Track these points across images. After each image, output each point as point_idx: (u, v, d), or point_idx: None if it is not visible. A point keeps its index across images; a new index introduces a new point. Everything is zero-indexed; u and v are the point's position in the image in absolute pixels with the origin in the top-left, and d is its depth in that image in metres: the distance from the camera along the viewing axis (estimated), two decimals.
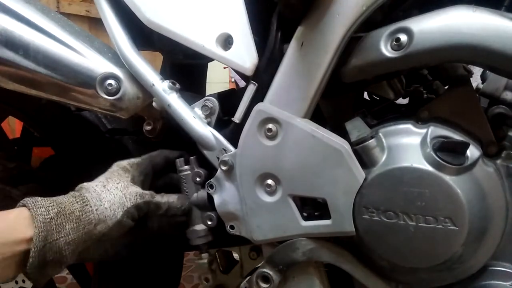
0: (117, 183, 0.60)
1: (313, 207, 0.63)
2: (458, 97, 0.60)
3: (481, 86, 0.65)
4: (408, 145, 0.59)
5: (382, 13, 0.60)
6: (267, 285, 0.66)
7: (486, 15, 0.50)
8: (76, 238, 0.53)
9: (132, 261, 0.90)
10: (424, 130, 0.59)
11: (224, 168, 0.65)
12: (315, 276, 0.66)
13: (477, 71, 0.79)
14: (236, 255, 0.89)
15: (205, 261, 0.91)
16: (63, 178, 1.06)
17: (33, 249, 0.48)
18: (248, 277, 0.69)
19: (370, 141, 0.58)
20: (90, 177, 0.62)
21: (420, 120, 0.60)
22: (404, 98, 0.75)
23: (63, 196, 0.56)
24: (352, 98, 0.68)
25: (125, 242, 0.63)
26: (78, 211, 0.54)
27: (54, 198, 0.54)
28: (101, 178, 0.61)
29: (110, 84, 0.68)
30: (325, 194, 0.59)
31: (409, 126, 0.61)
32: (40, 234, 0.49)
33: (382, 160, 0.58)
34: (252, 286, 0.68)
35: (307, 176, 0.60)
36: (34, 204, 0.51)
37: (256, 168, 0.63)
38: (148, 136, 0.76)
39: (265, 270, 0.66)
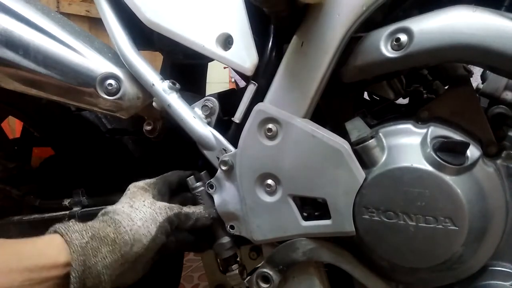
0: (143, 201, 0.59)
1: (313, 207, 0.63)
2: (458, 97, 0.60)
3: (481, 86, 0.65)
4: (408, 145, 0.59)
5: (382, 13, 0.60)
6: (267, 285, 0.66)
7: (486, 15, 0.50)
8: (113, 262, 0.51)
9: None
10: (424, 130, 0.59)
11: (224, 168, 0.65)
12: (315, 276, 0.66)
13: (477, 71, 0.79)
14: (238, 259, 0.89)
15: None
16: (63, 178, 1.06)
17: (73, 274, 0.47)
18: (248, 277, 0.69)
19: (370, 141, 0.58)
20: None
21: (420, 120, 0.60)
22: (404, 98, 0.75)
23: (92, 222, 0.55)
24: (352, 98, 0.68)
25: (154, 260, 0.61)
26: (113, 233, 0.53)
27: (85, 224, 0.53)
28: (125, 199, 0.60)
29: (110, 84, 0.68)
30: (325, 194, 0.59)
31: (409, 126, 0.61)
32: (78, 258, 0.47)
33: (382, 160, 0.58)
34: (252, 286, 0.68)
35: (307, 176, 0.60)
36: (68, 229, 0.50)
37: (256, 168, 0.63)
38: (148, 136, 0.76)
39: (265, 270, 0.66)
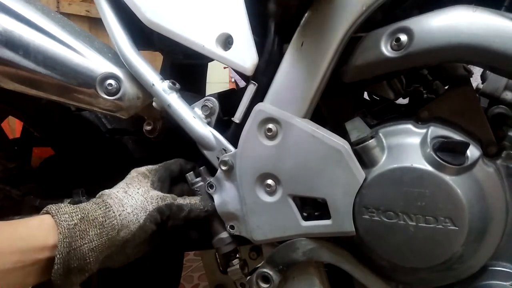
0: (138, 188, 0.60)
1: (313, 207, 0.63)
2: (458, 97, 0.60)
3: (481, 86, 0.65)
4: (408, 145, 0.59)
5: (382, 13, 0.60)
6: (267, 285, 0.66)
7: (486, 15, 0.50)
8: (100, 245, 0.52)
9: (133, 261, 0.90)
10: (424, 130, 0.59)
11: (224, 168, 0.65)
12: (315, 276, 0.66)
13: (477, 71, 0.79)
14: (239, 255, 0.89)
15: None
16: (63, 178, 1.06)
17: (58, 256, 0.48)
18: (248, 277, 0.69)
19: (370, 141, 0.58)
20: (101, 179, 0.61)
21: (420, 120, 0.60)
22: (404, 98, 0.75)
23: (85, 203, 0.56)
24: (352, 98, 0.68)
25: (147, 248, 0.62)
26: (101, 217, 0.54)
27: (77, 205, 0.54)
28: (122, 185, 0.61)
29: (110, 84, 0.68)
30: (325, 194, 0.59)
31: (409, 126, 0.61)
32: (64, 240, 0.49)
33: (382, 160, 0.58)
34: (252, 286, 0.68)
35: (307, 176, 0.60)
36: (58, 211, 0.51)
37: (256, 168, 0.63)
38: (148, 136, 0.76)
39: (265, 270, 0.66)
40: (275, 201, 0.62)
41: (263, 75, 0.63)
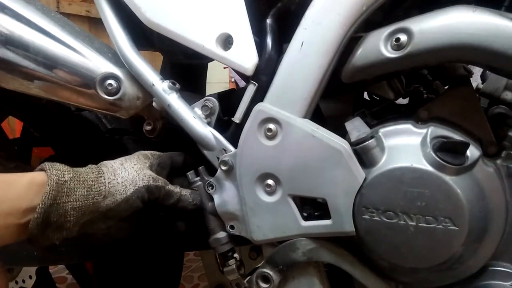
0: (135, 164, 0.61)
1: (313, 207, 0.63)
2: (458, 97, 0.60)
3: (481, 86, 0.65)
4: (408, 145, 0.59)
5: (382, 13, 0.60)
6: (267, 285, 0.66)
7: (486, 15, 0.50)
8: (83, 206, 0.53)
9: (133, 261, 0.90)
10: (424, 130, 0.59)
11: (224, 168, 0.65)
12: (315, 276, 0.66)
13: (477, 71, 0.79)
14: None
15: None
16: None
17: (40, 205, 0.49)
18: (248, 277, 0.68)
19: (370, 141, 0.58)
20: None
21: (420, 120, 0.60)
22: (404, 98, 0.75)
23: (82, 167, 0.57)
24: (352, 98, 0.68)
25: (130, 227, 0.63)
26: (91, 180, 0.55)
27: (71, 167, 0.55)
28: (121, 158, 0.63)
29: (110, 84, 0.68)
30: (325, 194, 0.59)
31: (409, 126, 0.61)
32: (50, 192, 0.50)
33: (382, 160, 0.58)
34: (252, 286, 0.68)
35: (307, 176, 0.60)
36: (52, 167, 0.52)
37: (256, 168, 0.63)
38: (148, 136, 0.76)
39: (265, 270, 0.66)
40: (275, 201, 0.62)
41: (263, 75, 0.63)
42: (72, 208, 0.52)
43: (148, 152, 0.66)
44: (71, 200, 0.52)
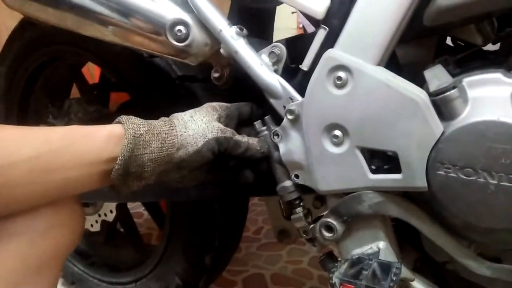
0: (204, 117, 0.63)
1: (382, 160, 0.61)
2: None
3: None
4: (496, 97, 0.53)
5: None
6: (330, 234, 0.67)
7: None
8: (159, 158, 0.57)
9: (202, 203, 0.95)
10: None
11: (290, 117, 0.64)
12: (380, 230, 0.65)
13: None
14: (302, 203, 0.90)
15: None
16: None
17: (120, 157, 0.53)
18: (312, 225, 0.69)
19: (451, 91, 0.53)
20: None
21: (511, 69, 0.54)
22: (494, 44, 0.67)
23: (155, 120, 0.61)
24: (433, 43, 0.62)
25: (204, 175, 0.66)
26: (165, 133, 0.58)
27: (146, 120, 0.59)
28: (191, 111, 0.65)
29: (179, 30, 0.68)
30: (397, 147, 0.56)
31: (498, 75, 0.54)
32: (128, 145, 0.54)
33: (464, 113, 0.53)
34: (315, 234, 0.69)
35: (378, 128, 0.57)
36: (128, 121, 0.56)
37: (323, 118, 0.61)
38: (216, 83, 0.76)
39: (329, 220, 0.66)
40: (342, 153, 0.61)
41: (335, 18, 0.59)
42: (148, 160, 0.56)
43: (216, 104, 0.67)
44: (148, 152, 0.56)
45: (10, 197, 0.47)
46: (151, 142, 0.56)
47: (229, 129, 0.65)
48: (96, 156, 0.52)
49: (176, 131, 0.60)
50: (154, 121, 0.60)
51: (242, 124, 0.70)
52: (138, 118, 0.58)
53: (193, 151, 0.60)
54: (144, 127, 0.57)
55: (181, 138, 0.59)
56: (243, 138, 0.65)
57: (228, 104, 0.69)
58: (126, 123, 0.56)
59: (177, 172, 0.62)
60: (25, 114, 1.22)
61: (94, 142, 0.53)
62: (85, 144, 0.52)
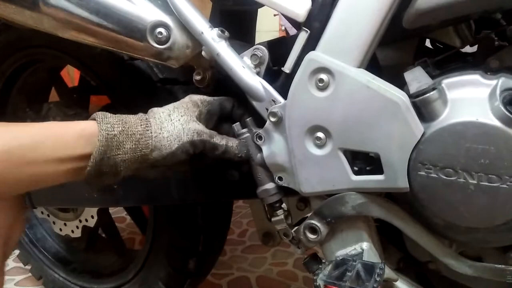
0: (182, 116, 0.62)
1: (364, 161, 0.61)
2: None
3: None
4: (475, 98, 0.54)
5: None
6: (314, 236, 0.67)
7: None
8: (132, 158, 0.57)
9: (185, 206, 0.94)
10: (493, 82, 0.54)
11: (273, 119, 0.64)
12: (364, 230, 0.66)
13: None
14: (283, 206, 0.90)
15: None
16: None
17: (91, 160, 0.53)
18: (296, 227, 0.69)
19: (431, 93, 0.54)
20: None
21: (489, 70, 0.55)
22: (471, 46, 0.69)
23: (132, 116, 0.60)
24: (413, 45, 0.63)
25: (184, 167, 0.66)
26: (139, 134, 0.58)
27: (122, 116, 0.58)
28: (170, 106, 0.64)
29: (160, 33, 0.68)
30: (379, 148, 0.57)
31: (476, 77, 0.55)
32: (100, 148, 0.54)
33: (443, 114, 0.54)
34: (299, 236, 0.69)
35: (359, 129, 0.57)
36: (103, 120, 0.55)
37: (305, 120, 0.61)
38: (198, 86, 0.76)
39: (313, 221, 0.66)
40: (324, 155, 0.61)
41: (316, 21, 0.59)
42: (121, 160, 0.56)
43: (198, 98, 0.66)
44: (121, 153, 0.55)
45: None
46: (124, 143, 0.56)
47: (207, 131, 0.63)
48: (67, 153, 0.53)
49: (151, 132, 0.59)
50: (130, 118, 0.59)
51: (224, 119, 0.70)
52: (114, 116, 0.57)
53: (166, 153, 0.59)
54: (119, 126, 0.56)
55: (155, 140, 0.59)
56: (221, 141, 0.64)
57: (211, 98, 0.68)
58: (100, 122, 0.55)
59: (153, 169, 0.62)
60: (3, 119, 1.18)
61: (65, 139, 0.53)
62: (57, 141, 0.53)
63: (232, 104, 0.70)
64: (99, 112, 0.57)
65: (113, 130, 0.55)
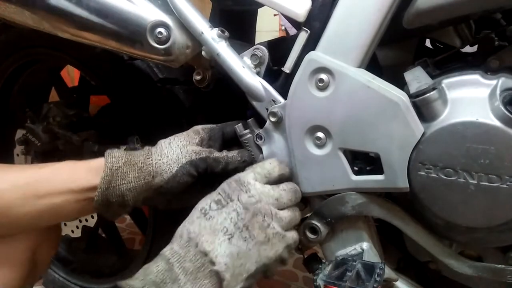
0: (180, 142, 0.64)
1: (364, 161, 0.61)
2: None
3: None
4: (475, 98, 0.54)
5: None
6: (314, 236, 0.67)
7: None
8: (137, 186, 0.60)
9: (184, 209, 0.94)
10: (493, 82, 0.54)
11: (273, 119, 0.64)
12: (364, 230, 0.66)
13: None
14: None
15: None
16: (118, 125, 1.10)
17: (98, 190, 0.58)
18: (296, 227, 0.69)
19: (431, 93, 0.54)
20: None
21: (489, 70, 0.55)
22: (471, 46, 0.69)
23: (138, 150, 0.64)
24: (413, 45, 0.63)
25: (189, 197, 0.66)
26: (141, 162, 0.61)
27: (127, 150, 0.63)
28: (173, 136, 0.66)
29: (160, 33, 0.68)
30: (379, 148, 0.57)
31: (476, 77, 0.55)
32: (105, 178, 0.58)
33: (443, 114, 0.54)
34: (299, 236, 0.68)
35: (360, 129, 0.57)
36: (109, 154, 0.61)
37: (305, 120, 0.61)
38: (198, 86, 0.76)
39: (313, 221, 0.66)
40: (324, 155, 0.61)
41: (316, 21, 0.59)
42: (127, 189, 0.59)
43: (199, 127, 0.68)
44: (125, 182, 0.59)
45: (5, 217, 0.55)
46: (128, 172, 0.60)
47: (206, 149, 0.65)
48: (77, 184, 0.58)
49: (152, 160, 0.62)
50: (133, 151, 0.63)
51: (229, 144, 0.70)
52: (120, 151, 0.61)
53: (168, 177, 0.61)
54: (123, 159, 0.60)
55: (156, 166, 0.61)
56: (221, 154, 0.65)
57: (213, 126, 0.69)
58: (107, 156, 0.60)
59: (160, 197, 0.64)
60: (2, 119, 1.19)
61: (75, 172, 0.59)
62: (69, 174, 0.58)
63: (234, 127, 0.70)
64: (108, 150, 0.61)
65: (118, 162, 0.59)
